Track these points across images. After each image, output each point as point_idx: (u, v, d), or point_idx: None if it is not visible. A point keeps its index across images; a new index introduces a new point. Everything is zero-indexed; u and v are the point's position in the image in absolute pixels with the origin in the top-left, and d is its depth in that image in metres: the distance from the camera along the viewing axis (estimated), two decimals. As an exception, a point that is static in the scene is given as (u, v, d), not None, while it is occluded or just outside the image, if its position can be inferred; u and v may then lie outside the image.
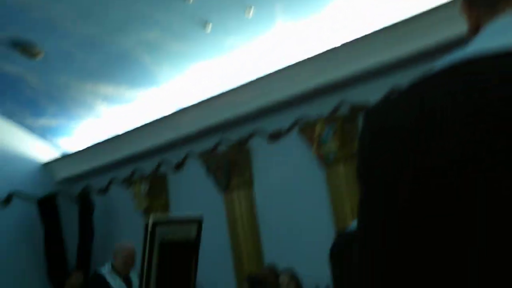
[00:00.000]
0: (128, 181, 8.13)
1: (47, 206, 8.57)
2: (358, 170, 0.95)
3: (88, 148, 8.42)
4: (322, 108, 6.28)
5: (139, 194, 7.90)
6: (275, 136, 6.76)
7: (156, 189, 7.82)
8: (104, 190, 8.66)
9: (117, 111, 7.94)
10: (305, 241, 6.44)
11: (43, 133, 8.82)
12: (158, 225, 3.28)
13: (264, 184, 6.85)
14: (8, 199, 8.56)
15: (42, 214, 8.51)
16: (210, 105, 7.01)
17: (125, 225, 8.32)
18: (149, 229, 3.23)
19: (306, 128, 6.32)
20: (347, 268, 2.37)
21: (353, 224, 2.44)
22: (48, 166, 8.98)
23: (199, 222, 3.51)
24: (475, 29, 0.94)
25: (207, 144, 7.27)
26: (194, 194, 7.42)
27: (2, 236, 8.37)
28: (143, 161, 8.10)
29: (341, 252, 2.82)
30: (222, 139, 7.13)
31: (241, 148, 6.93)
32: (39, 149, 8.93)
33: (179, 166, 7.74)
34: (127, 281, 5.09)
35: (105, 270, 5.45)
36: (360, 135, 0.96)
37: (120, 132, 8.01)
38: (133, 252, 5.25)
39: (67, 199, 8.86)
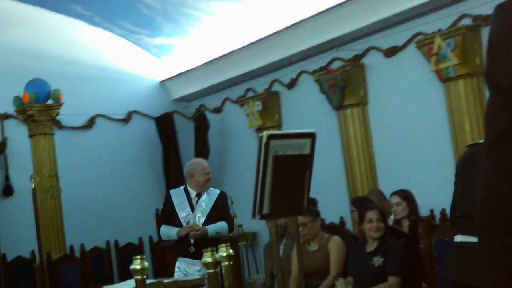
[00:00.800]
0: (242, 100, 8.20)
1: (165, 124, 8.85)
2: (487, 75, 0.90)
3: (203, 67, 8.53)
4: (441, 22, 5.96)
5: (252, 112, 7.96)
6: (391, 52, 6.53)
7: (269, 108, 7.84)
8: (219, 109, 8.81)
9: (231, 29, 7.94)
10: (421, 161, 6.29)
11: (159, 52, 9.02)
12: (272, 138, 3.28)
13: (379, 102, 6.69)
14: (128, 117, 8.92)
15: (160, 131, 8.81)
16: (324, 20, 6.84)
17: (238, 143, 8.46)
18: (264, 142, 3.23)
19: (424, 43, 6.04)
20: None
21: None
22: (165, 85, 9.22)
23: (312, 137, 3.47)
24: None
25: (320, 61, 7.16)
26: (306, 112, 7.38)
27: (123, 152, 8.77)
28: (256, 80, 8.12)
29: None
30: (336, 55, 6.99)
31: (356, 65, 6.77)
32: (156, 68, 9.17)
33: (292, 84, 7.70)
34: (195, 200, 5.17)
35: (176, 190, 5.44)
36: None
37: (234, 50, 8.03)
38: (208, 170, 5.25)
39: (183, 118, 9.11)
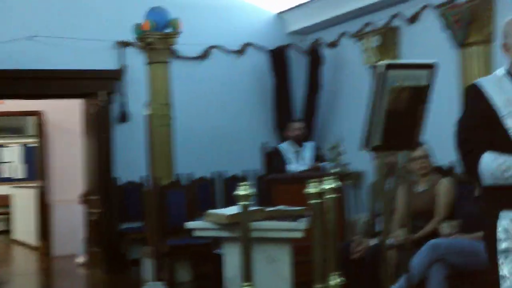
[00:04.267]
0: (359, 35, 7.88)
1: (278, 57, 8.70)
2: None
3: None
4: None
5: (369, 48, 7.64)
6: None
7: (388, 43, 7.49)
8: (334, 43, 8.54)
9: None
10: None
11: (276, -18, 8.82)
12: (390, 68, 3.11)
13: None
14: (243, 49, 8.84)
15: (273, 64, 8.68)
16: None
17: (353, 79, 8.19)
18: (381, 72, 3.07)
19: None
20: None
21: None
22: (281, 17, 9.03)
23: (432, 69, 3.24)
24: None
25: (446, -6, 6.69)
26: (427, 49, 6.97)
27: (235, 84, 8.76)
28: (375, 14, 7.76)
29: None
30: (463, -11, 6.50)
31: (484, 0, 6.26)
32: (272, 0, 8.98)
33: (413, 18, 7.28)
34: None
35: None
36: None
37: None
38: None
39: (297, 51, 8.91)
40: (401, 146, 3.34)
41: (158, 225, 7.05)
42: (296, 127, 7.42)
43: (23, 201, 11.11)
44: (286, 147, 7.33)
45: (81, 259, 8.57)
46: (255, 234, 3.57)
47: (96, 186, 8.23)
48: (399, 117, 3.17)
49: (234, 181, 8.05)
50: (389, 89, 3.11)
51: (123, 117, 8.22)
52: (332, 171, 6.47)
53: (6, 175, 12.73)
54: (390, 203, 4.89)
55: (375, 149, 3.19)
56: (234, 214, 3.80)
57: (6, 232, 11.94)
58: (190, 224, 4.24)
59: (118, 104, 8.22)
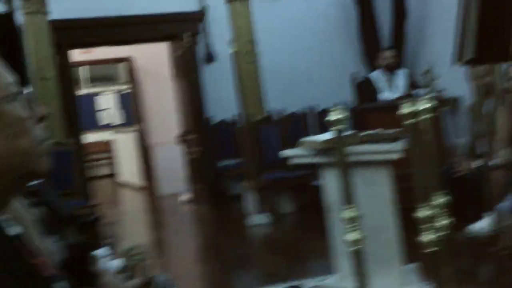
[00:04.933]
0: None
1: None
2: None
3: None
4: None
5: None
6: None
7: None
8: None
9: None
10: None
11: None
12: None
13: None
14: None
15: (357, -7, 8.51)
16: None
17: (439, 6, 7.89)
18: None
19: None
20: None
21: None
22: None
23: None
24: None
25: None
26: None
27: (320, 17, 8.66)
28: None
29: None
30: None
31: None
32: None
33: None
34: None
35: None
36: None
37: None
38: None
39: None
40: (496, 58, 3.23)
41: (255, 160, 7.23)
42: (387, 55, 7.31)
43: (124, 145, 11.57)
44: (377, 76, 7.26)
45: (185, 197, 8.91)
46: (352, 158, 3.55)
47: (192, 126, 8.46)
48: (493, 26, 3.07)
49: (326, 114, 8.04)
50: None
51: (209, 58, 8.34)
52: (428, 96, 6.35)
53: (105, 122, 13.24)
54: (491, 125, 4.79)
55: (469, 62, 3.10)
56: (328, 139, 3.78)
57: (112, 175, 12.49)
58: (286, 152, 4.21)
59: (203, 45, 8.33)
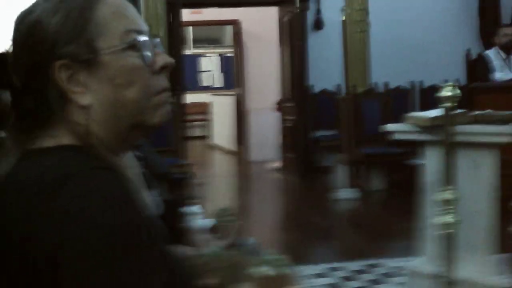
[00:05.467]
0: None
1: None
2: None
3: None
4: None
5: None
6: None
7: None
8: None
9: None
10: None
11: None
12: None
13: None
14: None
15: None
16: None
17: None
18: None
19: None
20: None
21: None
22: None
23: None
24: None
25: None
26: None
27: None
28: None
29: None
30: None
31: None
32: None
33: None
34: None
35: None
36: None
37: None
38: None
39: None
40: None
41: (353, 133, 7.01)
42: (507, 32, 6.83)
43: (221, 109, 11.61)
44: (493, 54, 6.81)
45: (275, 164, 8.84)
46: (458, 138, 3.37)
47: (291, 94, 8.32)
48: None
49: (432, 91, 7.69)
50: None
51: (318, 24, 8.13)
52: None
53: (205, 84, 13.33)
54: None
55: None
56: (437, 116, 3.59)
57: (204, 137, 12.60)
58: (390, 127, 4.05)
59: (313, 11, 8.12)
